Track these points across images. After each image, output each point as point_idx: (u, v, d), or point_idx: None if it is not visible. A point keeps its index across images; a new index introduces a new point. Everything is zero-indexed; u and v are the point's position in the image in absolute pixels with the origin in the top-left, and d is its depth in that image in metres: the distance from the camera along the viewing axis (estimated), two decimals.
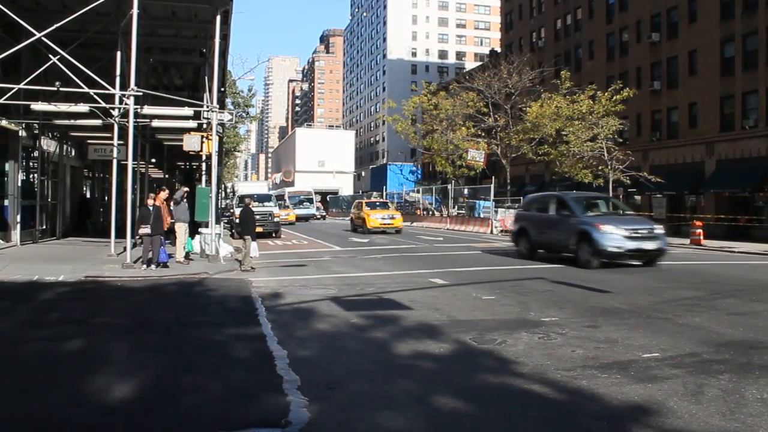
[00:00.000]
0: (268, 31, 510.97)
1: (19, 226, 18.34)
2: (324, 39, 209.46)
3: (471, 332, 7.56)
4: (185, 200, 15.63)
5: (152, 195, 14.65)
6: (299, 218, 49.02)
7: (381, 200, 39.73)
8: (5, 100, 14.64)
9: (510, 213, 34.78)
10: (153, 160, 26.67)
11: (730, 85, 32.39)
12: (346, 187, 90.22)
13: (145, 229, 13.71)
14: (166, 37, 19.03)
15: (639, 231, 14.99)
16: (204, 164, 17.51)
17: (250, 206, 15.77)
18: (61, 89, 15.09)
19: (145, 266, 13.58)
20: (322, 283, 12.20)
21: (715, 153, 33.07)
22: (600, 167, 30.60)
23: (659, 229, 15.51)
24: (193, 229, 16.49)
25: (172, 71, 23.40)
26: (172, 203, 15.73)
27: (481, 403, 5.03)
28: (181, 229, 15.04)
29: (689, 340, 7.09)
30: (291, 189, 57.42)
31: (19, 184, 18.98)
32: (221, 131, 18.01)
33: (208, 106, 16.56)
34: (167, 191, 15.53)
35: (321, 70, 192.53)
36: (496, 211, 34.86)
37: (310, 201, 54.44)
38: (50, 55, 14.46)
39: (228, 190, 46.39)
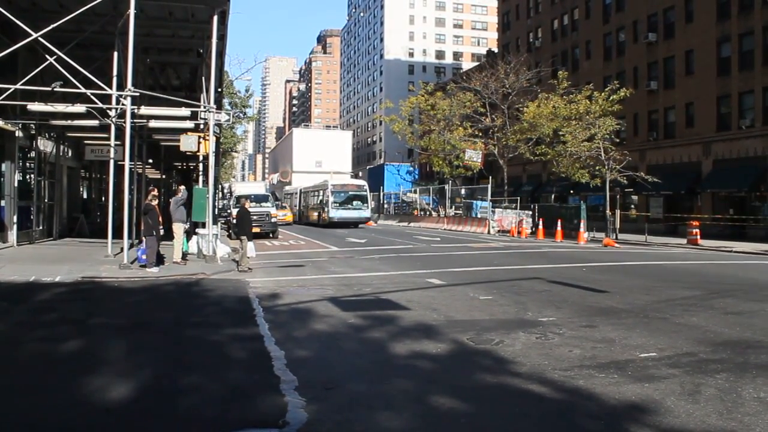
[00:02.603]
0: (266, 32, 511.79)
1: (15, 226, 18.29)
2: (321, 39, 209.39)
3: (468, 332, 7.56)
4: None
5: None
6: (344, 223, 38.19)
7: None
8: (2, 100, 14.59)
9: (507, 213, 34.92)
10: (150, 161, 26.62)
11: (726, 84, 32.47)
12: None
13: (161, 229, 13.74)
14: (163, 37, 18.99)
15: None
16: (201, 165, 17.48)
17: (246, 207, 15.76)
18: (57, 89, 15.05)
19: (156, 268, 13.47)
20: (319, 284, 12.19)
21: (712, 153, 33.15)
22: (597, 167, 30.63)
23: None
24: (191, 230, 16.46)
25: (169, 71, 23.34)
26: (172, 203, 15.70)
27: (479, 402, 5.03)
28: (179, 229, 15.03)
29: (686, 340, 7.11)
30: (336, 182, 42.22)
31: (16, 184, 18.91)
32: (218, 131, 18.00)
33: (205, 107, 16.53)
34: (155, 191, 15.48)
35: (318, 70, 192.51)
36: (493, 211, 34.91)
37: (363, 200, 40.24)
38: (47, 56, 14.41)
39: (225, 191, 45.76)
